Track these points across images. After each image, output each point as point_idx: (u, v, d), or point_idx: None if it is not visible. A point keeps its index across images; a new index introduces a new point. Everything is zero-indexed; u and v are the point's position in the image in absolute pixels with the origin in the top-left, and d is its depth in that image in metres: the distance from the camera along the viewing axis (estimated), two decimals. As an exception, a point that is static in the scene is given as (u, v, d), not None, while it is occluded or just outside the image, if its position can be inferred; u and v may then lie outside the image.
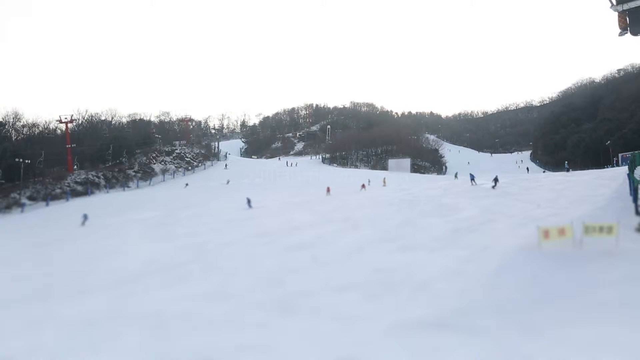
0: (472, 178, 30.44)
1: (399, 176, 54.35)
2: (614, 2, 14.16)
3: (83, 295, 11.17)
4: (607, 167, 45.57)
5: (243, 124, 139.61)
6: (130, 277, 12.74)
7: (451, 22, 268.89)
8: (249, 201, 28.23)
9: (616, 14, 14.26)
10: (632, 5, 13.88)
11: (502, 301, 8.14)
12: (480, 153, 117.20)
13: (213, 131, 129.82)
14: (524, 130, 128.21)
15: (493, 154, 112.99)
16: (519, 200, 20.74)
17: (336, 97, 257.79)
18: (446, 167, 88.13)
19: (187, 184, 50.88)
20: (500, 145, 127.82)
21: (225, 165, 68.05)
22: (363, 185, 35.02)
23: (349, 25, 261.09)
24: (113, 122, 76.22)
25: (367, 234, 15.89)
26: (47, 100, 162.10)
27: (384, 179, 42.80)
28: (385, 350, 6.54)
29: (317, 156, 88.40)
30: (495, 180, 26.84)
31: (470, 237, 13.70)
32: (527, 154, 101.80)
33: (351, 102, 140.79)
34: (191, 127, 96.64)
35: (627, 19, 14.25)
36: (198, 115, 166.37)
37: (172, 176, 59.27)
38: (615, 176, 25.24)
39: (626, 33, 14.34)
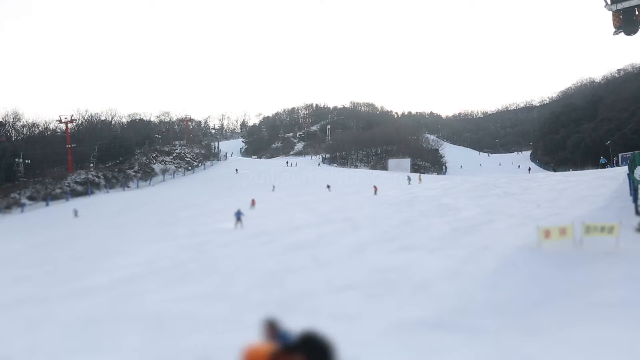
0: (409, 179, 37.15)
1: (399, 176, 54.33)
2: (608, 2, 14.25)
3: (83, 295, 11.17)
4: (608, 167, 45.48)
5: (243, 124, 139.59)
6: (131, 277, 12.74)
7: (451, 22, 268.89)
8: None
9: (610, 13, 14.35)
10: (625, 5, 13.97)
11: (502, 301, 8.13)
12: (482, 153, 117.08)
13: (213, 131, 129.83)
14: (524, 130, 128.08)
15: (490, 155, 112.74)
16: (519, 200, 20.74)
17: (336, 97, 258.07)
18: (446, 167, 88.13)
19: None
20: (500, 145, 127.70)
21: (236, 170, 59.87)
22: (420, 178, 40.40)
23: (348, 25, 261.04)
24: (113, 122, 76.23)
25: (367, 234, 15.89)
26: (47, 100, 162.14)
27: (419, 176, 45.13)
28: (385, 350, 6.53)
29: (317, 156, 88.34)
30: None
31: (470, 237, 13.70)
32: (527, 154, 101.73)
33: (351, 102, 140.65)
34: (191, 127, 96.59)
35: (621, 18, 14.33)
36: (198, 115, 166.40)
37: (172, 176, 59.24)
38: (615, 176, 25.23)
39: (621, 32, 14.44)
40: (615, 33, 14.51)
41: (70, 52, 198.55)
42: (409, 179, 39.49)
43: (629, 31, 14.23)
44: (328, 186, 38.10)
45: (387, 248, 13.32)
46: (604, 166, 38.45)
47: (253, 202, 28.62)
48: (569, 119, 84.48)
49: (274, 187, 43.73)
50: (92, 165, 54.49)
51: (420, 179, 41.60)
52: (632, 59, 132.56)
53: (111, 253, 17.25)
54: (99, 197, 45.59)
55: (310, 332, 1.93)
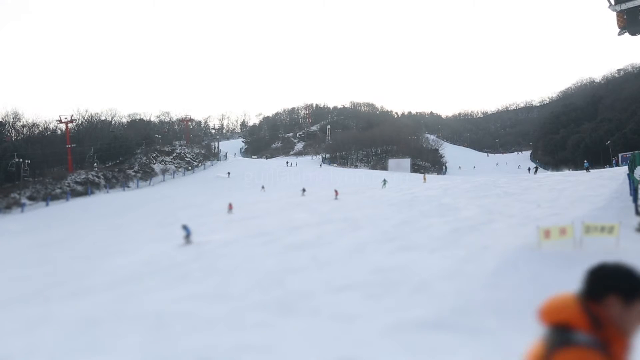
0: (384, 182, 36.84)
1: (399, 176, 54.36)
2: (612, 2, 14.26)
3: (83, 295, 11.17)
4: (607, 167, 45.54)
5: (243, 124, 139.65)
6: (130, 277, 12.74)
7: (451, 22, 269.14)
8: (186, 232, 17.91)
9: (614, 13, 14.38)
10: (629, 5, 13.99)
11: (502, 301, 8.12)
12: (481, 153, 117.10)
13: (213, 131, 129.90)
14: (524, 130, 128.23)
15: (489, 155, 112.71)
16: (519, 200, 20.73)
17: (336, 97, 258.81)
18: (446, 167, 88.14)
19: None
20: (500, 145, 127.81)
21: (228, 173, 56.11)
22: (424, 178, 43.90)
23: (349, 25, 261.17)
24: (113, 122, 76.28)
25: (367, 234, 15.88)
26: (47, 100, 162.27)
27: (424, 176, 46.71)
28: (385, 350, 6.53)
29: (317, 156, 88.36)
30: None
31: (470, 237, 13.69)
32: (527, 154, 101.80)
33: (351, 102, 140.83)
34: (191, 127, 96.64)
35: (625, 18, 14.35)
36: (198, 115, 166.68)
37: (172, 176, 59.23)
38: (615, 176, 25.24)
39: (625, 32, 14.46)
40: (620, 33, 14.54)
41: (70, 52, 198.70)
42: (385, 182, 37.52)
43: (634, 31, 14.27)
44: (303, 190, 35.19)
45: (387, 248, 13.31)
46: (588, 169, 38.63)
47: (230, 207, 27.34)
48: (569, 119, 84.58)
49: (262, 187, 43.55)
50: (95, 164, 54.63)
51: (424, 179, 41.83)
52: (632, 59, 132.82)
53: (111, 253, 17.25)
54: (99, 197, 45.59)
55: (604, 265, 1.56)
